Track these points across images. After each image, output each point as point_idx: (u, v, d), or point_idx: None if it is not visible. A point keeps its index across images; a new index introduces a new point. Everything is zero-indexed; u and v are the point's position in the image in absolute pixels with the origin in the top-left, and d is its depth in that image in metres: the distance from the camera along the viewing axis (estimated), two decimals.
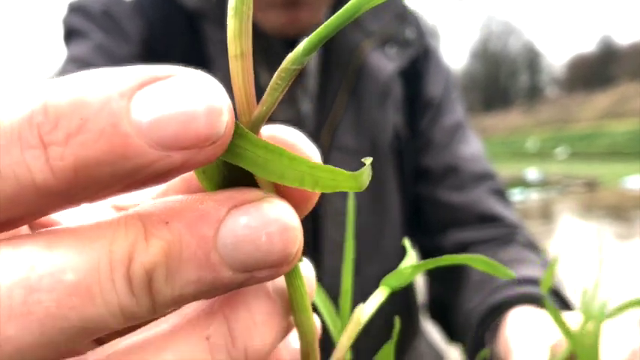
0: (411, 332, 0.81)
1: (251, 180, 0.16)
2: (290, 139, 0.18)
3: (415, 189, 0.75)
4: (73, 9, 0.71)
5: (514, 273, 0.21)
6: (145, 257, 0.14)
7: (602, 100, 31.73)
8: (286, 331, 0.19)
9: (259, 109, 0.16)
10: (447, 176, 0.72)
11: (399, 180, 0.73)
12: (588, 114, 30.60)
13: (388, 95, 0.71)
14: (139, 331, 0.16)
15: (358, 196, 0.66)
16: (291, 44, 0.66)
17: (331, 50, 0.69)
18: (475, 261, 0.21)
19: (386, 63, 0.71)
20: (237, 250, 0.15)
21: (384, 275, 0.21)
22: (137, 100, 0.13)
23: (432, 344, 0.89)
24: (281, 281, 0.18)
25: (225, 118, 0.14)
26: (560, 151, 23.95)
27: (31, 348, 0.13)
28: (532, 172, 14.68)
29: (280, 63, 0.14)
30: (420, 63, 0.75)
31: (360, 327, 0.21)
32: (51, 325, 0.13)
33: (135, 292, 0.14)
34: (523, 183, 13.35)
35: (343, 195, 0.65)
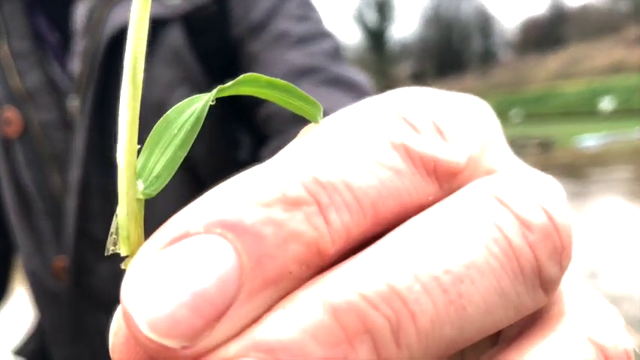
0: None
1: None
2: None
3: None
4: None
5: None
6: None
7: (553, 62, 32.17)
8: None
9: None
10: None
11: None
12: (541, 76, 31.00)
13: (153, 50, 0.69)
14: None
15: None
16: None
17: (91, 10, 0.70)
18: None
19: (124, 17, 0.67)
20: None
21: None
22: None
23: None
24: None
25: None
26: (515, 113, 24.18)
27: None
28: None
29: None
30: (225, 3, 0.73)
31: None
32: None
33: None
34: None
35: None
